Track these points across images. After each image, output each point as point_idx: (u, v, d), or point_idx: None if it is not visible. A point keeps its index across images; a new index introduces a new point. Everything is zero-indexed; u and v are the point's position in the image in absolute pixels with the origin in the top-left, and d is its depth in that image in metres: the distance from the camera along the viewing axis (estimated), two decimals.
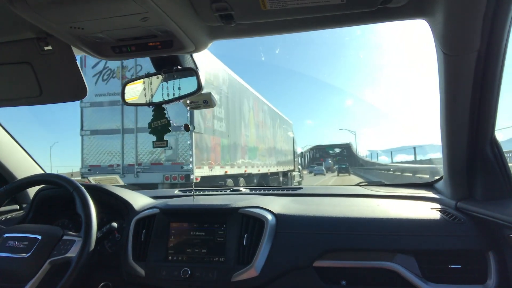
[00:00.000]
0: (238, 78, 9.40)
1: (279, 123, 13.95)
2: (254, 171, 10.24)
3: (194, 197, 1.44)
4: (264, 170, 11.19)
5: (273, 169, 12.32)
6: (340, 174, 36.00)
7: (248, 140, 10.04)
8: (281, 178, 13.43)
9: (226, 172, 8.23)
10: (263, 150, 11.40)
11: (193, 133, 6.72)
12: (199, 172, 6.92)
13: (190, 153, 6.71)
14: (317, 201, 1.48)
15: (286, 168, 14.18)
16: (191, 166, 6.69)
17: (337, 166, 44.04)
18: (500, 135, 1.07)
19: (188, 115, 6.55)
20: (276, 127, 13.32)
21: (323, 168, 41.92)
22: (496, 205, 1.02)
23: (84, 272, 1.10)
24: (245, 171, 9.47)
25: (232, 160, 8.71)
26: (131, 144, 7.11)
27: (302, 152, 51.02)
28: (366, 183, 1.96)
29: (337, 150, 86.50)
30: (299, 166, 18.65)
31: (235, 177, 8.71)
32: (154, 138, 1.13)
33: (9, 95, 1.07)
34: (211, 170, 7.43)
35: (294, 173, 15.53)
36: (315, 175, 38.01)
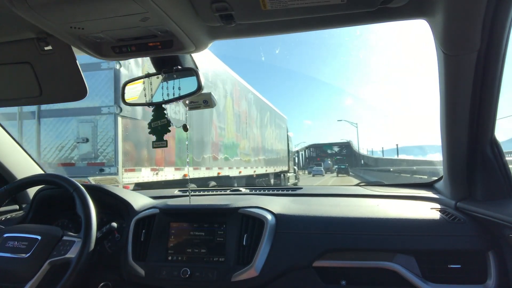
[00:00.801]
0: (211, 55, 7.29)
1: (270, 116, 11.98)
2: (233, 173, 8.32)
3: (190, 197, 1.43)
4: (248, 171, 9.30)
5: (261, 170, 10.55)
6: (339, 175, 36.06)
7: (224, 133, 7.92)
8: (272, 181, 11.81)
9: (185, 175, 6.01)
10: (247, 148, 9.42)
11: (119, 118, 4.52)
12: (131, 177, 4.77)
13: (114, 148, 4.54)
14: (316, 201, 1.48)
15: (278, 169, 12.63)
16: (115, 168, 4.54)
17: (337, 166, 44.15)
18: (500, 135, 1.07)
19: (112, 90, 4.42)
20: (265, 120, 11.38)
21: (322, 169, 41.93)
22: (496, 205, 1.02)
23: (84, 273, 1.10)
24: (219, 173, 7.51)
25: (196, 159, 6.55)
26: (31, 136, 4.81)
27: (297, 151, 50.30)
28: (366, 183, 1.97)
29: (336, 148, 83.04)
30: (295, 167, 16.94)
31: (202, 182, 6.67)
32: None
33: (9, 95, 1.07)
34: (157, 174, 5.30)
35: (288, 174, 14.11)
36: (313, 175, 38.01)
